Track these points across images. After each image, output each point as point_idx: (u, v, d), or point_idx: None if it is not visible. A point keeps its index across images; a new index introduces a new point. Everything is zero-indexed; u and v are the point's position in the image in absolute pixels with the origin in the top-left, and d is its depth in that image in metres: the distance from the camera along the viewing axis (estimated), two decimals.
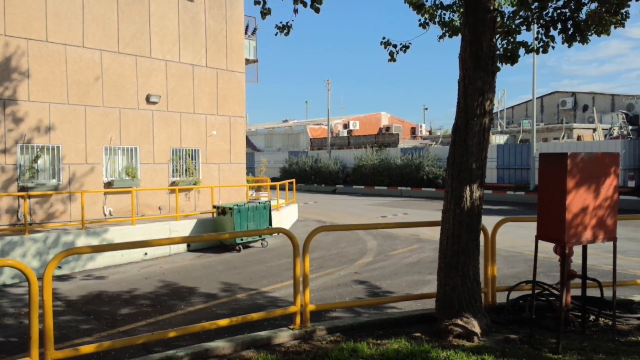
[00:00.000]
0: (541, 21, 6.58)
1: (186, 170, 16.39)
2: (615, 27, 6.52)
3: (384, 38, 7.46)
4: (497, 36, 5.88)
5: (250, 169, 37.22)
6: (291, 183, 21.03)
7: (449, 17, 7.37)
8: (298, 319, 5.44)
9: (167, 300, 8.79)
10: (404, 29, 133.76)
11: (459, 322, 5.28)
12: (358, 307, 7.53)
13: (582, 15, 6.39)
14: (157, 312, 8.01)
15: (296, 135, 50.54)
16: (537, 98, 33.38)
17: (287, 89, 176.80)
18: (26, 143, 13.12)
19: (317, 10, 6.73)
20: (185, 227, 14.07)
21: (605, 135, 30.35)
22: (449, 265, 5.46)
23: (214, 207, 14.70)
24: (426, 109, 79.32)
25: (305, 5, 6.67)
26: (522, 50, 6.83)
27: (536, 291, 5.75)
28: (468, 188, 5.40)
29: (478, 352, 4.76)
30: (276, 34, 7.20)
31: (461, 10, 6.98)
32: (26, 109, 13.08)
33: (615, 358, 4.63)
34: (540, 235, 5.21)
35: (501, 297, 6.40)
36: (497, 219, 6.69)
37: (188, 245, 13.68)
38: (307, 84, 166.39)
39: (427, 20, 7.44)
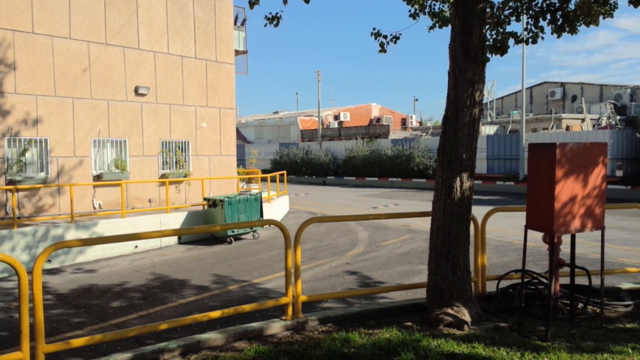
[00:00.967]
0: (530, 12, 6.61)
1: (176, 162, 16.30)
2: (604, 18, 6.56)
3: (374, 29, 7.43)
4: (486, 27, 5.89)
5: (241, 161, 37.06)
6: (282, 175, 21.02)
7: (439, 8, 7.36)
8: (290, 310, 5.47)
9: (158, 292, 8.78)
10: (395, 20, 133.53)
11: (450, 311, 5.33)
12: (350, 297, 7.57)
13: (571, 6, 6.42)
14: (148, 305, 7.99)
15: (287, 126, 50.36)
16: (526, 89, 33.56)
17: (278, 80, 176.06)
18: (13, 136, 12.97)
19: (306, 1, 6.69)
20: (175, 220, 14.03)
21: (594, 125, 30.56)
22: (440, 255, 5.51)
23: (205, 199, 14.66)
24: (416, 100, 79.81)
25: None
26: (511, 41, 6.84)
27: (525, 280, 5.82)
28: (458, 178, 5.44)
29: (468, 340, 4.81)
30: (265, 25, 7.15)
31: (451, 1, 6.98)
32: (13, 102, 12.92)
33: (603, 345, 4.71)
34: (530, 225, 5.26)
35: (491, 286, 6.47)
36: (487, 209, 6.74)
37: (179, 238, 13.64)
38: (297, 75, 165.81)
39: (417, 11, 7.42)
